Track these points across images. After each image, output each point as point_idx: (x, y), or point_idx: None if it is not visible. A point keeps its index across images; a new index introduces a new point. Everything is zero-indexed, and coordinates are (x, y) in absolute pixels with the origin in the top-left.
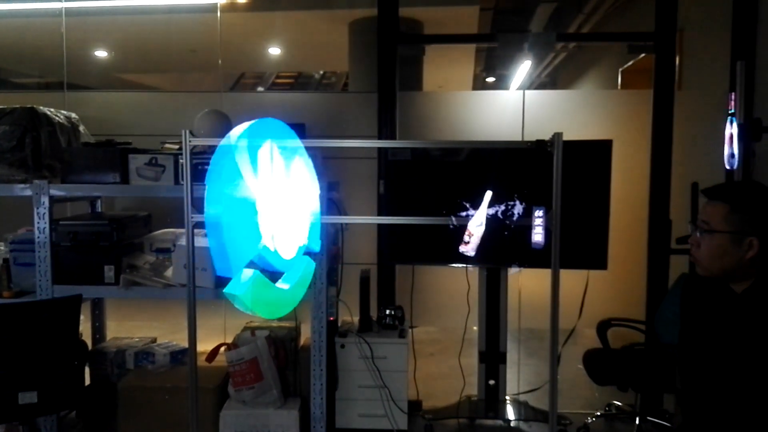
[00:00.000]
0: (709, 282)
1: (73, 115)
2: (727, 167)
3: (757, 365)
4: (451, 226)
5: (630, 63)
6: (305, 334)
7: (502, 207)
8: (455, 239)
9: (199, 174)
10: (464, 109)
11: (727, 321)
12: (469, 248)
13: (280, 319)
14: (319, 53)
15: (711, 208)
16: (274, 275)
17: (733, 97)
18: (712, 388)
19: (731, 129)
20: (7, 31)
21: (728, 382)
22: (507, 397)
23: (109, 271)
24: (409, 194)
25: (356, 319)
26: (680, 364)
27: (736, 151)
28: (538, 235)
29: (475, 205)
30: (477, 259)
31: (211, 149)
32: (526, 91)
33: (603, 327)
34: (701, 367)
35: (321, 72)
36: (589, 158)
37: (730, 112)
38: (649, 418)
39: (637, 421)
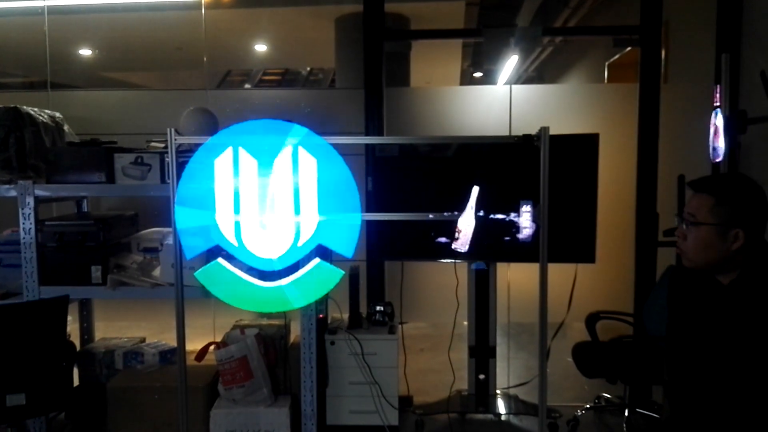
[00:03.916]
0: (696, 274)
1: (58, 114)
2: (712, 159)
3: (744, 356)
4: (429, 218)
5: (616, 57)
6: (295, 332)
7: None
8: (444, 235)
9: None
10: (452, 104)
11: (714, 313)
12: (459, 244)
13: (269, 317)
14: (305, 50)
15: (697, 200)
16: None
17: (718, 89)
18: (699, 380)
19: (717, 121)
20: None
21: (715, 374)
22: (497, 391)
23: (96, 272)
24: (398, 190)
25: (346, 315)
26: (668, 355)
27: (721, 143)
28: (525, 229)
29: (463, 201)
30: (466, 255)
31: (196, 147)
32: (513, 86)
33: (591, 320)
34: (689, 358)
35: (308, 69)
36: (576, 152)
37: (715, 104)
38: (638, 409)
39: (626, 413)
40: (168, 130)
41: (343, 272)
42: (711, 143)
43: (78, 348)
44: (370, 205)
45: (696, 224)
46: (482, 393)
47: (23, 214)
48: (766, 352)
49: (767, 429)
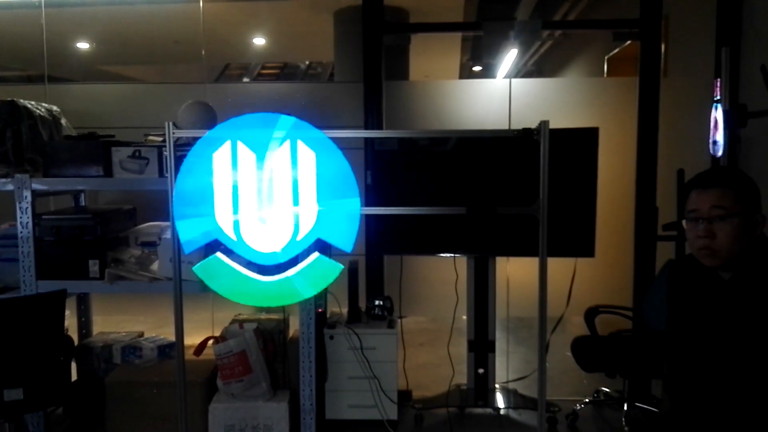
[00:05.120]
0: (696, 268)
1: (55, 107)
2: (712, 154)
3: (744, 351)
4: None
5: (616, 50)
6: (293, 326)
7: None
8: (443, 229)
9: None
10: (451, 98)
11: (714, 307)
12: None
13: (268, 311)
14: (304, 43)
15: (714, 195)
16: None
17: (718, 83)
18: (699, 374)
19: (716, 115)
20: None
21: (715, 368)
22: (496, 386)
23: (93, 266)
24: (397, 184)
25: (345, 310)
26: (667, 349)
27: (721, 137)
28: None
29: (462, 194)
30: (465, 249)
31: (195, 141)
32: (513, 80)
33: (591, 314)
34: (688, 352)
35: (307, 62)
36: (576, 146)
37: (715, 98)
38: (637, 404)
39: (625, 407)
40: (166, 123)
41: (343, 266)
42: (711, 137)
43: (76, 342)
44: (369, 199)
45: (728, 217)
46: (481, 387)
47: (20, 208)
48: (766, 347)
49: (767, 423)
